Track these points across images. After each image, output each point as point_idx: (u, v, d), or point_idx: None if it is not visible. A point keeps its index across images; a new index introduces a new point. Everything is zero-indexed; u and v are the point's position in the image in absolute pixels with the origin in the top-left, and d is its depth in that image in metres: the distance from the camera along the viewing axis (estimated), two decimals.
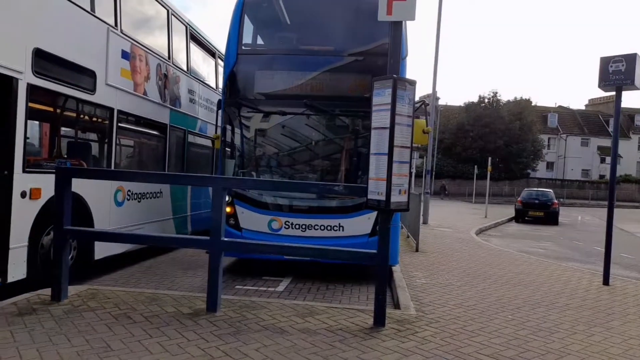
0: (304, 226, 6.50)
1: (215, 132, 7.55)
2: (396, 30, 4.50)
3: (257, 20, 7.46)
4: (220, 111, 7.07)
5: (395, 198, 4.13)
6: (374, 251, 4.38)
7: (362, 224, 6.43)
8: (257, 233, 6.44)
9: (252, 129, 7.17)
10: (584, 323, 4.86)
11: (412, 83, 4.26)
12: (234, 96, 6.78)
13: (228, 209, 6.44)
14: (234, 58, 6.76)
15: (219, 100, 7.28)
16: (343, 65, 6.77)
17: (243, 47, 6.97)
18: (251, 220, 6.53)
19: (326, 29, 7.20)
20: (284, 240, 6.16)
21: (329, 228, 6.51)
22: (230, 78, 6.75)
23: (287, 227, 6.49)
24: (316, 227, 6.51)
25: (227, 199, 6.34)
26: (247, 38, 7.28)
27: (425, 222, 15.15)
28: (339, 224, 6.52)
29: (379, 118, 4.22)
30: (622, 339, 4.40)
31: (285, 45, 7.39)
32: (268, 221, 6.51)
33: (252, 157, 7.19)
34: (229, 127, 6.91)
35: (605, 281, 6.96)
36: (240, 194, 6.63)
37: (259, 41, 7.89)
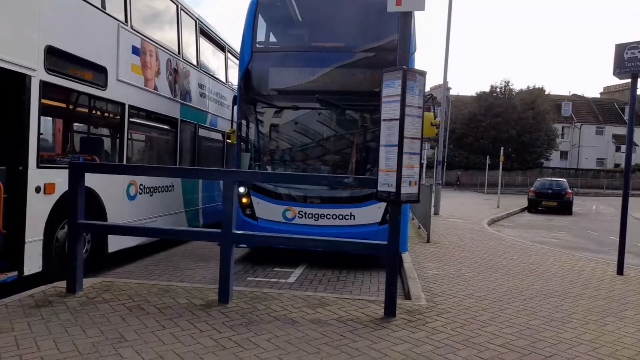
0: (316, 215, 6.78)
1: (231, 127, 7.75)
2: (406, 20, 4.47)
3: (270, 19, 7.73)
4: (235, 107, 7.34)
5: (406, 190, 4.12)
6: (385, 242, 4.38)
7: (372, 213, 6.67)
8: (272, 222, 6.76)
9: (267, 124, 7.46)
10: (597, 313, 4.82)
11: (422, 74, 4.23)
12: (249, 92, 7.08)
13: (245, 200, 6.85)
14: (249, 56, 7.05)
15: (235, 97, 7.56)
16: (353, 61, 7.03)
17: (257, 45, 7.27)
18: (266, 210, 6.84)
19: (337, 26, 7.44)
20: (298, 229, 6.49)
21: (340, 217, 6.79)
22: (246, 75, 7.05)
23: (300, 216, 6.77)
24: (328, 217, 6.79)
25: (244, 190, 6.83)
26: (260, 36, 7.56)
27: (436, 213, 15.09)
28: (350, 213, 6.77)
29: (389, 109, 4.20)
30: (636, 329, 4.36)
31: (297, 42, 7.76)
32: (282, 211, 6.81)
33: (266, 151, 7.47)
34: (244, 121, 7.16)
35: (620, 271, 6.89)
36: (257, 186, 6.89)
37: (272, 39, 8.14)
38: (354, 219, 6.75)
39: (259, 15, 7.29)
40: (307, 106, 7.17)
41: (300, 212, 6.78)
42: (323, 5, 7.51)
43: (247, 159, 7.19)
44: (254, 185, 6.86)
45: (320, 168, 7.30)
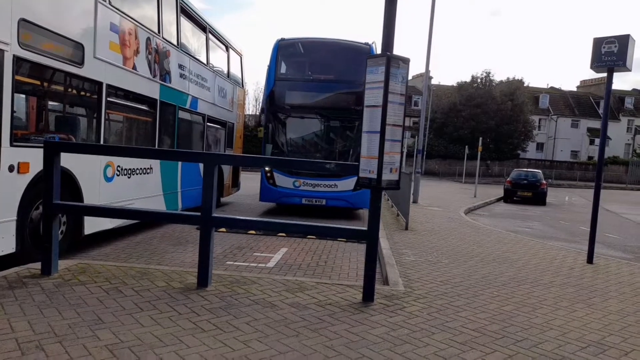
0: (313, 184, 10.70)
1: (259, 127, 11.67)
2: (391, 4, 4.45)
3: (287, 58, 11.63)
4: (263, 115, 11.35)
5: (387, 176, 4.15)
6: (364, 229, 4.43)
7: (349, 183, 10.42)
8: (286, 188, 10.71)
9: (283, 126, 11.25)
10: (567, 299, 4.99)
11: (406, 61, 4.23)
12: (273, 106, 11.02)
13: (269, 174, 10.77)
14: (273, 83, 10.98)
15: (262, 108, 11.70)
16: (341, 89, 10.85)
17: (278, 75, 11.10)
18: (282, 180, 10.72)
19: (331, 65, 11.32)
20: (302, 192, 10.67)
21: (329, 186, 10.69)
22: (270, 95, 11.04)
23: (304, 185, 10.71)
24: (321, 186, 10.70)
25: (268, 168, 10.68)
26: (280, 69, 11.39)
27: (415, 202, 15.28)
28: (335, 183, 10.68)
29: (372, 96, 4.20)
30: (603, 314, 4.53)
31: (304, 74, 11.52)
32: (293, 181, 10.70)
33: (282, 143, 11.22)
34: (268, 124, 11.04)
35: (589, 260, 7.12)
36: None
37: (286, 70, 11.73)
38: (337, 187, 10.67)
39: (280, 55, 11.15)
40: (310, 116, 11.11)
41: (304, 182, 10.68)
42: (322, 52, 11.52)
43: (270, 148, 10.93)
44: None
45: (316, 155, 10.93)
